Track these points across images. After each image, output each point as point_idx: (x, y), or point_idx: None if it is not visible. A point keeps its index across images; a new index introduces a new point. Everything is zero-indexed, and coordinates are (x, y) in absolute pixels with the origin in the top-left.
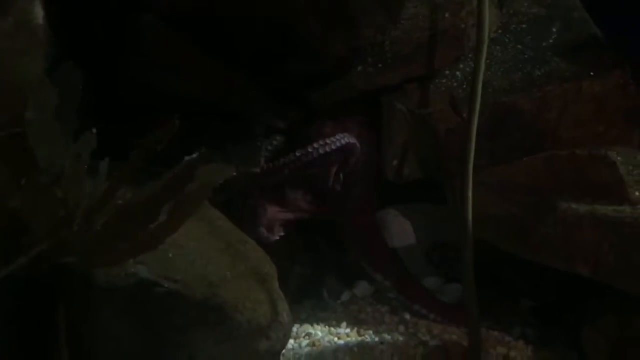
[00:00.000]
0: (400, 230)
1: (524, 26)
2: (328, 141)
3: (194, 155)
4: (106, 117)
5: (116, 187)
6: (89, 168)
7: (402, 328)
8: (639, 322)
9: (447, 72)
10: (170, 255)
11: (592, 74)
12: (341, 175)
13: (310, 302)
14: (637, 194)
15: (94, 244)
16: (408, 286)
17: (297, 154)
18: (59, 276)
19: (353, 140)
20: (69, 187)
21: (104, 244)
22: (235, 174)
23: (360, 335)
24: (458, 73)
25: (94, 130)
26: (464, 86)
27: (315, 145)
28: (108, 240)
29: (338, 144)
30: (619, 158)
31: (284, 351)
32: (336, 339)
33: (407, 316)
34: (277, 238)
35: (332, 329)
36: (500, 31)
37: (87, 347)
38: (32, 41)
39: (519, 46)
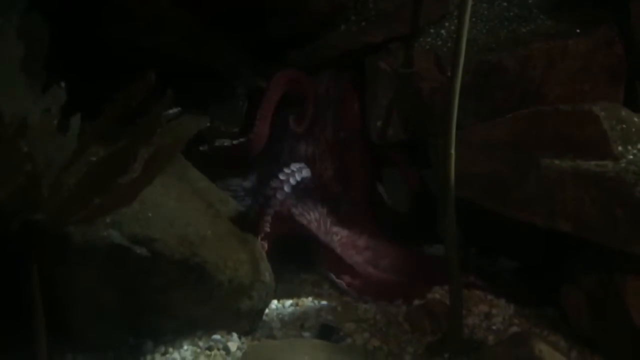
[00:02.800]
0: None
1: None
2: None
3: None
4: (81, 75)
5: (88, 143)
6: (61, 125)
7: None
8: (618, 278)
9: (432, 31)
10: (150, 214)
11: (578, 31)
12: None
13: (294, 263)
14: (620, 148)
15: (66, 201)
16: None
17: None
18: (32, 235)
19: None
20: (36, 141)
21: (77, 201)
22: (209, 124)
23: (343, 295)
24: (443, 31)
25: (63, 84)
26: (449, 44)
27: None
28: (81, 196)
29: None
30: (602, 113)
31: (267, 310)
32: (320, 299)
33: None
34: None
35: (316, 289)
36: None
37: (65, 308)
38: None
39: (505, 3)
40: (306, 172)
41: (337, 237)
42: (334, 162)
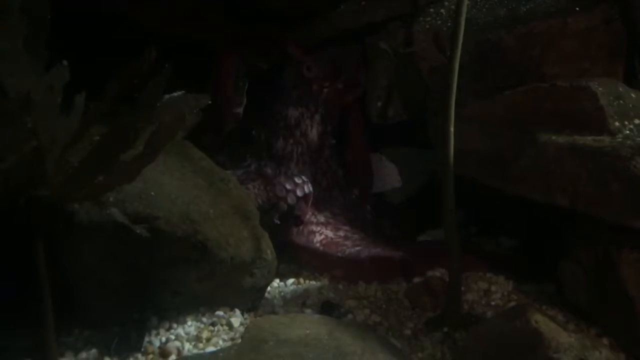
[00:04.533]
0: (386, 173)
1: None
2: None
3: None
4: (80, 54)
5: (91, 121)
6: (64, 104)
7: None
8: (615, 252)
9: (432, 10)
10: (152, 193)
11: (577, 9)
12: None
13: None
14: (616, 124)
15: (70, 178)
16: None
17: None
18: (37, 211)
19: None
20: (40, 118)
21: (80, 177)
22: (210, 102)
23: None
24: (442, 10)
25: (65, 63)
26: (449, 24)
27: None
28: (84, 173)
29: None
30: (600, 89)
31: (269, 288)
32: (321, 277)
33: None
34: None
35: None
36: None
37: (71, 284)
38: None
39: None
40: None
41: (321, 236)
42: (312, 165)
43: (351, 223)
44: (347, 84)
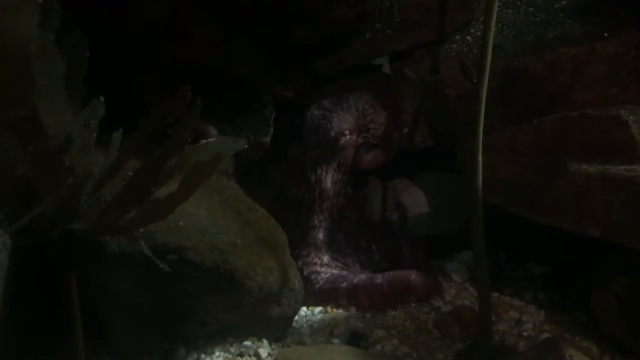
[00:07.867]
0: (412, 198)
1: None
2: None
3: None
4: (113, 87)
5: (126, 157)
6: (99, 138)
7: None
8: None
9: (457, 37)
10: (181, 223)
11: (605, 34)
12: None
13: None
14: None
15: (103, 212)
16: None
17: None
18: (71, 243)
19: None
20: (77, 155)
21: (114, 212)
22: (246, 146)
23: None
24: (468, 37)
25: (102, 99)
26: (475, 51)
27: None
28: (117, 208)
29: None
30: (630, 117)
31: (296, 317)
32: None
33: None
34: None
35: None
36: None
37: (101, 314)
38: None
39: (531, 9)
40: None
41: (326, 275)
42: (322, 213)
43: (362, 258)
44: (368, 141)
